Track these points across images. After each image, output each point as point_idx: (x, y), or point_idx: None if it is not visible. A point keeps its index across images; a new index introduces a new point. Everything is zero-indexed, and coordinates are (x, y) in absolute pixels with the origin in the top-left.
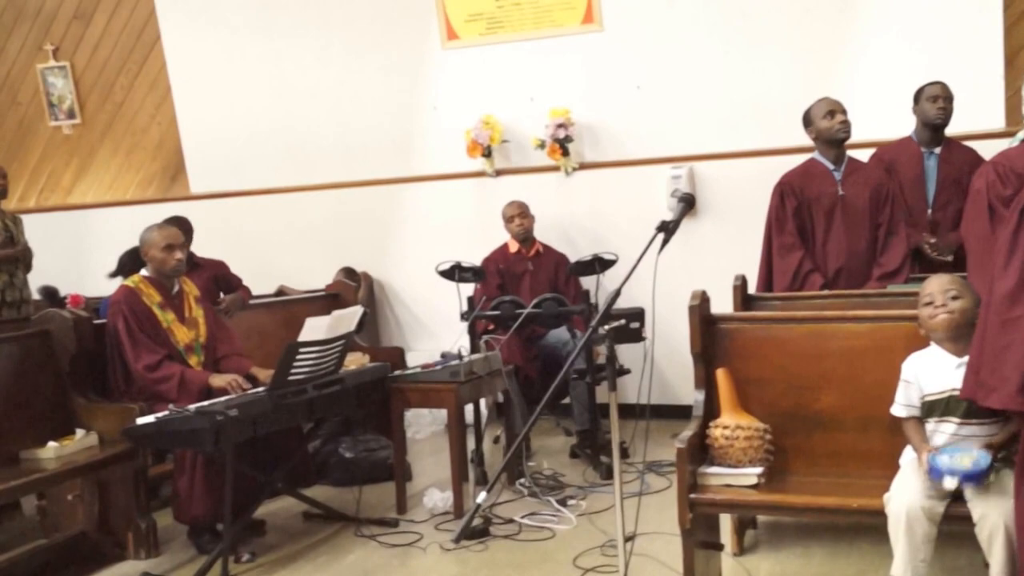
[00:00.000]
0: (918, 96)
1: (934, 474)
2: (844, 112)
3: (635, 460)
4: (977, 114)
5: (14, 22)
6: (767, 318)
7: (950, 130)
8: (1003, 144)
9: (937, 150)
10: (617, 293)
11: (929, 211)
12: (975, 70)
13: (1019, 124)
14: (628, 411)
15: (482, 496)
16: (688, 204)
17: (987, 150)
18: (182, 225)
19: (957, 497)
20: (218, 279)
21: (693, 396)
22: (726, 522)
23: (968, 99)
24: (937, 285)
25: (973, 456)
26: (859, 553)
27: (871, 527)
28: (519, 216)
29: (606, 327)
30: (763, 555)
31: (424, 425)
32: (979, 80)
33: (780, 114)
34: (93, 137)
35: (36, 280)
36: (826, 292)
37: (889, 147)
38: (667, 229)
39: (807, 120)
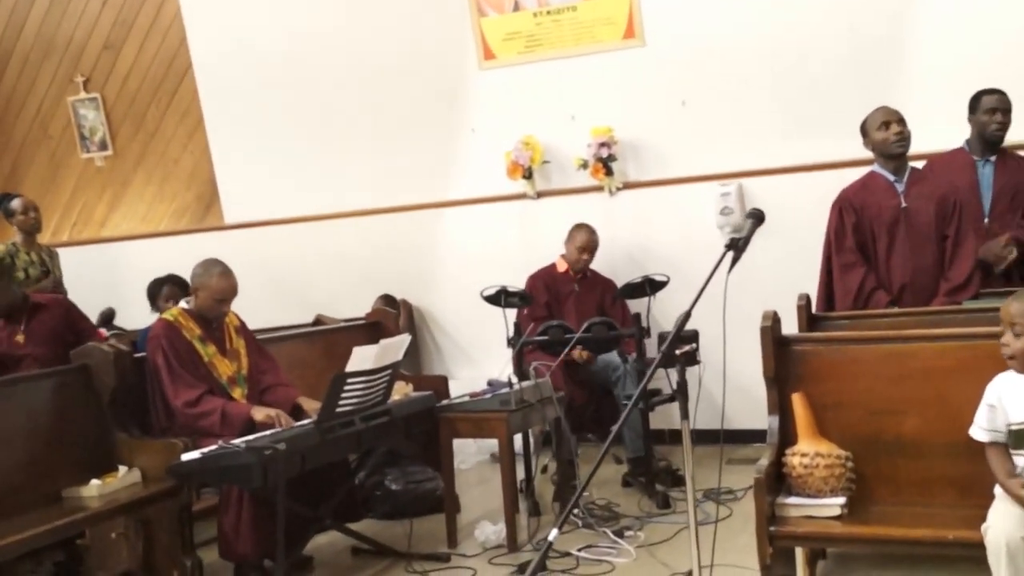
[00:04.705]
0: (975, 106)
1: None
2: (901, 122)
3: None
4: None
5: (44, 55)
6: (843, 338)
7: (1008, 140)
8: None
9: (992, 158)
10: (687, 315)
11: (986, 220)
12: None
13: None
14: (677, 437)
15: (554, 533)
16: (758, 220)
17: None
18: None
19: None
20: (68, 320)
21: (767, 422)
22: (798, 554)
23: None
24: (1012, 311)
25: None
26: None
27: (946, 557)
28: (588, 252)
29: (679, 351)
30: None
31: (470, 455)
32: None
33: (832, 127)
34: (126, 168)
35: None
36: (895, 310)
37: (940, 158)
38: (737, 247)
39: (863, 131)
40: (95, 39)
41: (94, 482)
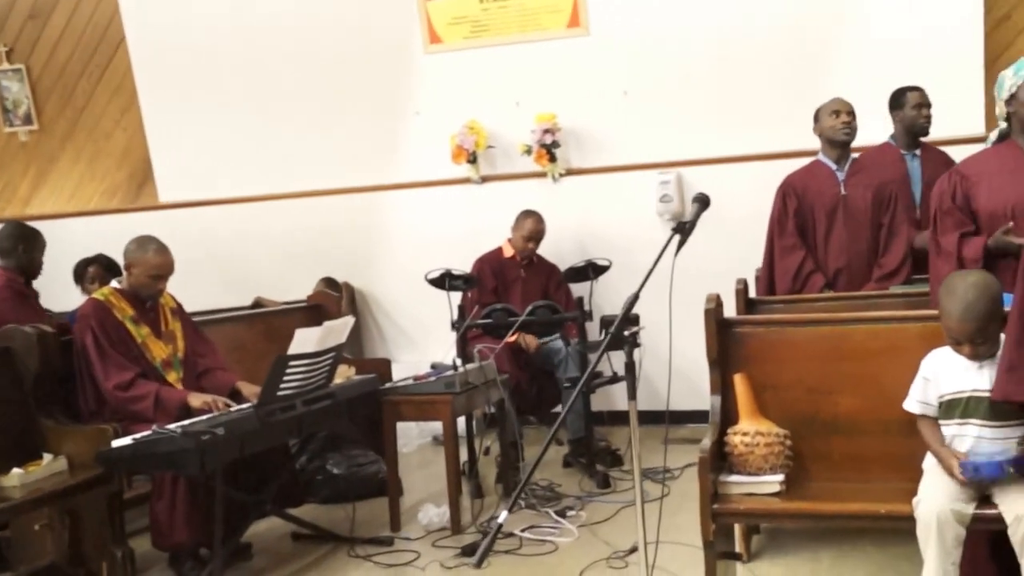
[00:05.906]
0: (900, 102)
1: (968, 471)
2: (851, 114)
3: (628, 468)
4: (957, 119)
5: None
6: (782, 321)
7: (930, 135)
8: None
9: (917, 152)
10: (636, 296)
11: (917, 211)
12: (955, 75)
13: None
14: (617, 418)
15: (504, 516)
16: (704, 204)
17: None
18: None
19: (985, 499)
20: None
21: (706, 402)
22: (736, 531)
23: (948, 104)
24: (969, 330)
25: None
26: (865, 556)
27: (875, 530)
28: (534, 241)
29: (627, 331)
30: (772, 561)
31: (412, 438)
32: (959, 85)
33: (770, 119)
34: (52, 144)
35: None
36: (829, 294)
37: (871, 152)
38: (683, 230)
39: (815, 116)
40: (20, 6)
41: (16, 471)
